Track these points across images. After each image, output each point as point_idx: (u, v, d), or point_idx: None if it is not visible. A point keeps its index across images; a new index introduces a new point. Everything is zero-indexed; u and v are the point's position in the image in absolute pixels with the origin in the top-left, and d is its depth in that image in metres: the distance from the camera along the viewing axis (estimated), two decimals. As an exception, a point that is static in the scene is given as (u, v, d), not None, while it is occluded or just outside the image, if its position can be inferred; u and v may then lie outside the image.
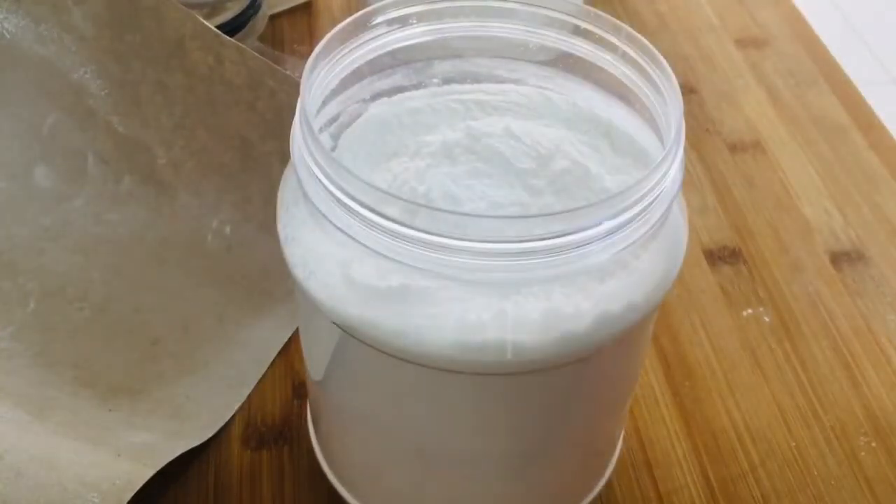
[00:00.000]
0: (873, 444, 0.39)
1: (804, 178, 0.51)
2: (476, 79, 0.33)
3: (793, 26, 0.62)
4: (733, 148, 0.52)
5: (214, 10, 0.51)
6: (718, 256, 0.46)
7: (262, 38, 0.55)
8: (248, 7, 0.52)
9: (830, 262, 0.46)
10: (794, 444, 0.39)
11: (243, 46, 0.41)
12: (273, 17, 0.58)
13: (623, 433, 0.37)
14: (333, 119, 0.31)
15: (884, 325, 0.44)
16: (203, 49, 0.41)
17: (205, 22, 0.41)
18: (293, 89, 0.40)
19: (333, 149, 0.30)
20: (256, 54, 0.41)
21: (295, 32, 0.58)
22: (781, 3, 0.64)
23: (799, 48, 0.60)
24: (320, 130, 0.30)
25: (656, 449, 0.39)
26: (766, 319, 0.44)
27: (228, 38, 0.41)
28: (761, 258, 0.46)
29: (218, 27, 0.43)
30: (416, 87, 0.32)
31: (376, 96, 0.32)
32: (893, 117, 0.58)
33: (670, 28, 0.61)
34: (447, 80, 0.32)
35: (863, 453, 0.39)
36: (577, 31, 0.30)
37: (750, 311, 0.44)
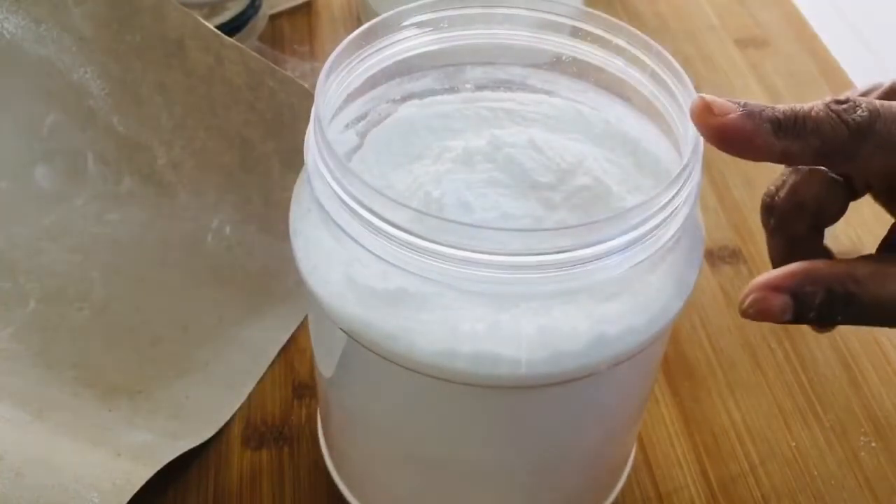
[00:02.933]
0: (873, 444, 0.39)
1: (804, 178, 0.51)
2: (509, 87, 0.32)
3: (793, 26, 0.62)
4: (733, 148, 0.52)
5: (214, 10, 0.51)
6: (718, 256, 0.46)
7: (262, 38, 0.55)
8: (248, 7, 0.52)
9: (830, 262, 0.46)
10: (794, 444, 0.39)
11: (243, 46, 0.41)
12: (273, 17, 0.58)
13: (633, 455, 0.37)
14: (361, 117, 0.31)
15: (884, 325, 0.44)
16: (203, 49, 0.41)
17: (205, 22, 0.41)
18: (293, 89, 0.40)
19: (359, 146, 0.30)
20: (256, 54, 0.41)
21: (295, 32, 0.58)
22: (781, 3, 0.64)
23: (799, 48, 0.60)
24: (347, 127, 0.30)
25: (656, 449, 0.39)
26: (766, 319, 0.44)
27: (228, 38, 0.41)
28: (761, 258, 0.46)
29: (218, 27, 0.43)
30: (449, 91, 0.32)
31: (407, 97, 0.31)
32: (893, 117, 0.58)
33: (670, 28, 0.61)
34: (480, 87, 0.32)
35: (863, 453, 0.39)
36: (609, 46, 0.29)
37: (750, 311, 0.44)
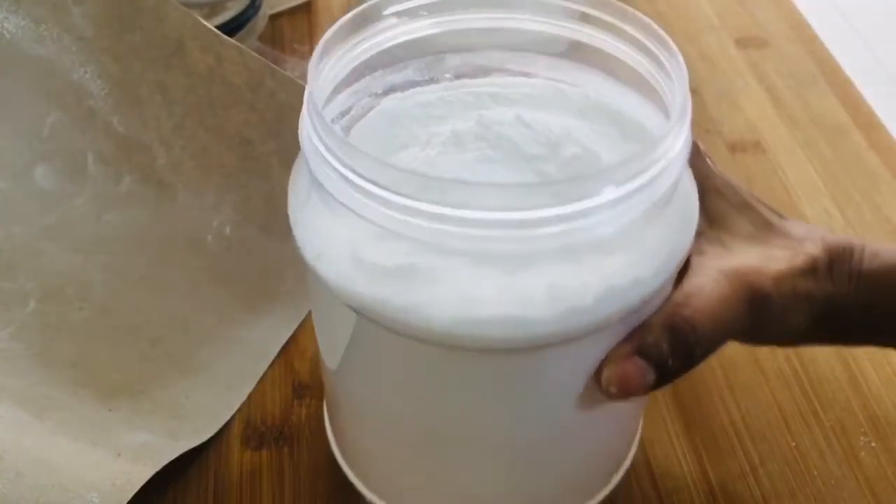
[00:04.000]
0: (873, 444, 0.39)
1: (804, 178, 0.51)
2: (488, 72, 0.33)
3: (793, 26, 0.62)
4: (733, 148, 0.52)
5: (214, 10, 0.51)
6: (718, 256, 0.46)
7: (262, 38, 0.55)
8: (248, 7, 0.52)
9: (830, 262, 0.46)
10: (794, 444, 0.39)
11: (243, 46, 0.41)
12: (273, 17, 0.58)
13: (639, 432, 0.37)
14: (345, 112, 0.31)
15: (884, 325, 0.44)
16: (203, 49, 0.41)
17: (205, 22, 0.41)
18: (293, 89, 0.40)
19: None
20: (256, 54, 0.41)
21: (295, 32, 0.58)
22: (781, 3, 0.64)
23: (799, 48, 0.60)
24: (332, 122, 0.30)
25: (656, 449, 0.39)
26: (766, 319, 0.44)
27: (228, 38, 0.41)
28: (761, 258, 0.46)
29: (218, 27, 0.43)
30: (429, 81, 0.32)
31: (388, 91, 0.32)
32: (893, 117, 0.58)
33: (670, 28, 0.61)
34: (459, 75, 0.33)
35: (863, 453, 0.39)
36: (586, 19, 0.30)
37: (750, 311, 0.44)
